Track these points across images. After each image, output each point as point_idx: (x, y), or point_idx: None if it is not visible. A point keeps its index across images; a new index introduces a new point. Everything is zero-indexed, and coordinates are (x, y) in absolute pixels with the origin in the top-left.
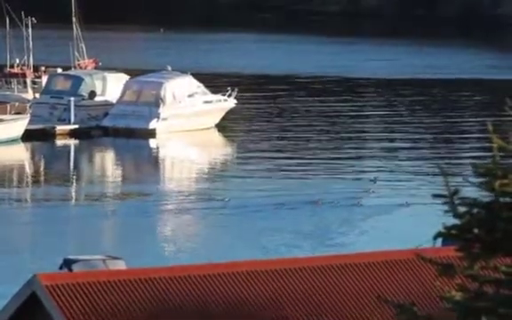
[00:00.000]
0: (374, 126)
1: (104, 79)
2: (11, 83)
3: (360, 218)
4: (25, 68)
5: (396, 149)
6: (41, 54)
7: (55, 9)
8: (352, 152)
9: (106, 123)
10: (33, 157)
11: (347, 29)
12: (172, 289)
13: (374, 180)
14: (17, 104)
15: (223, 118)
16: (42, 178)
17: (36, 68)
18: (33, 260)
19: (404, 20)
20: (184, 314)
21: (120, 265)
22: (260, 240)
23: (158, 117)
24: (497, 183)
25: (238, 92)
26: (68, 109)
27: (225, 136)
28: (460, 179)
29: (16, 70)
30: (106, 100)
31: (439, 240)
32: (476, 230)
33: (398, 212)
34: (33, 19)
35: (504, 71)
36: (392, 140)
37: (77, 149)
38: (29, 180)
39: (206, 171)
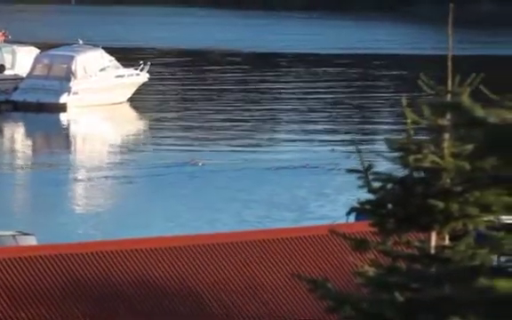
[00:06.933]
0: (290, 101)
1: (14, 52)
2: None
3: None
4: None
5: (310, 123)
6: None
7: None
8: (266, 124)
9: (16, 97)
10: None
11: (262, 4)
12: (83, 265)
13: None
14: None
15: (135, 93)
16: None
17: None
18: None
19: None
20: (95, 291)
21: (31, 241)
22: (175, 211)
23: (69, 91)
24: (411, 158)
25: (151, 66)
26: None
27: (137, 111)
28: (374, 154)
29: None
30: (15, 74)
31: (352, 215)
32: (389, 205)
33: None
34: None
35: (419, 46)
36: (307, 119)
37: None
38: None
39: (118, 144)
